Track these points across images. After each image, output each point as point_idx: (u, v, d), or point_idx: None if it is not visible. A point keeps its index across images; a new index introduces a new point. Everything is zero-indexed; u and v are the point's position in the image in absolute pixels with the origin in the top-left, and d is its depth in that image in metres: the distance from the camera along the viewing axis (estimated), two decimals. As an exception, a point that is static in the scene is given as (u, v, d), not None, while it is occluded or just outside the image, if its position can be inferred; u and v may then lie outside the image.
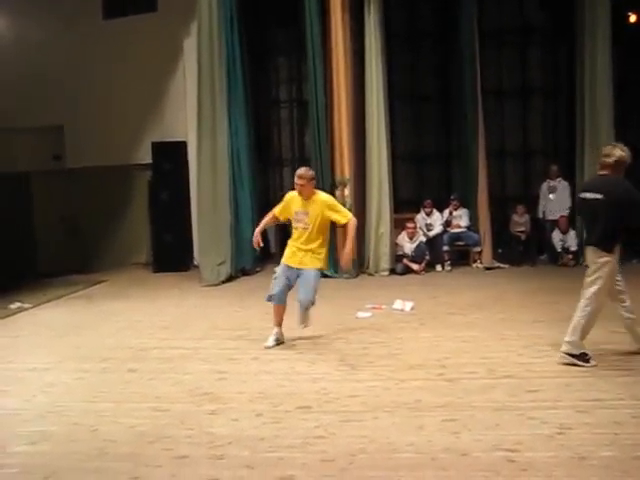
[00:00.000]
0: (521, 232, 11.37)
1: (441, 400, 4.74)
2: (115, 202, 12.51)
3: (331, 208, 6.27)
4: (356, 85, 10.82)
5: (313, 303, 6.27)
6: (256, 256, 11.37)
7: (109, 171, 12.19)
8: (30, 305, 8.95)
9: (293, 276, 6.32)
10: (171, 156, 11.77)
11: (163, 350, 6.44)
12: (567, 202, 11.15)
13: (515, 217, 11.54)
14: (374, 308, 7.92)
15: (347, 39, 10.57)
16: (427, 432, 4.20)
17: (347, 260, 6.44)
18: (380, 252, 10.67)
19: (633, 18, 11.75)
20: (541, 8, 12.69)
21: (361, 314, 7.65)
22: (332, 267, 10.50)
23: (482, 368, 5.45)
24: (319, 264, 6.32)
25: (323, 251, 6.33)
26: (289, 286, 6.35)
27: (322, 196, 6.36)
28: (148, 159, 11.89)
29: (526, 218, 11.48)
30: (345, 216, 6.30)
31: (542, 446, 3.92)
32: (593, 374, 5.17)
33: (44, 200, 12.11)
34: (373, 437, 4.15)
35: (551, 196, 11.32)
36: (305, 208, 6.26)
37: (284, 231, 12.88)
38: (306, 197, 6.26)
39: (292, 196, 6.41)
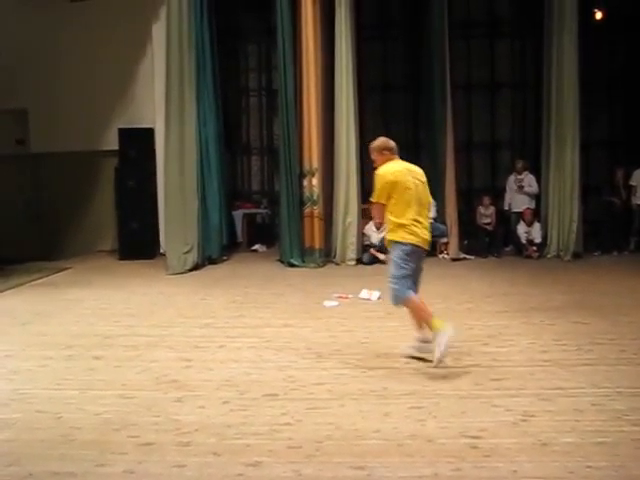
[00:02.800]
0: (487, 224, 11.49)
1: (407, 388, 4.79)
2: (80, 188, 12.30)
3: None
4: (326, 75, 10.80)
5: (396, 293, 5.35)
6: (223, 245, 11.33)
7: (74, 157, 11.98)
8: (-8, 292, 8.81)
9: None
10: (138, 143, 11.61)
11: (129, 337, 6.38)
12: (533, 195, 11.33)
13: (481, 209, 11.64)
14: (341, 297, 7.93)
15: (317, 28, 10.54)
16: (393, 419, 4.24)
17: None
18: (347, 242, 10.71)
19: (599, 15, 11.94)
20: (510, 1, 12.81)
21: (328, 303, 7.66)
22: (300, 256, 10.56)
23: (448, 357, 5.49)
24: (390, 237, 5.48)
25: (391, 225, 5.47)
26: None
27: (380, 170, 5.77)
28: (115, 145, 11.73)
29: (492, 210, 11.60)
30: (372, 197, 5.66)
31: (505, 433, 3.98)
32: (555, 364, 5.27)
33: (7, 185, 11.89)
34: (339, 424, 4.17)
35: (523, 190, 11.40)
36: None
37: (252, 222, 12.92)
38: None
39: None
